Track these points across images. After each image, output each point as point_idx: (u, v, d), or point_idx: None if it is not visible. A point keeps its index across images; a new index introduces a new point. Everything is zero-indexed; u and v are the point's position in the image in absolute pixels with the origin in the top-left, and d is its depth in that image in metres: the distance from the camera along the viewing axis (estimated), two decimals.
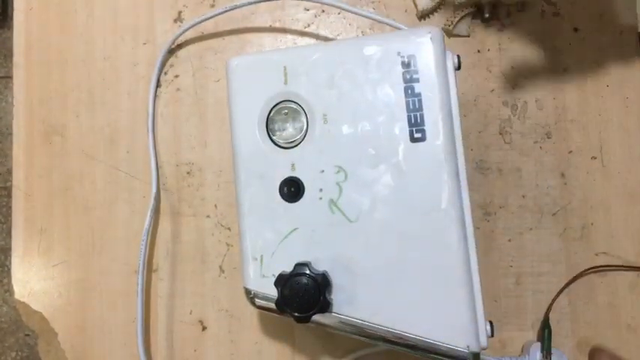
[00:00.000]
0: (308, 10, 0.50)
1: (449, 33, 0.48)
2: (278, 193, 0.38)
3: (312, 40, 0.50)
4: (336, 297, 0.36)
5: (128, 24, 0.51)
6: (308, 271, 0.35)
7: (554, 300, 0.45)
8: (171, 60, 0.51)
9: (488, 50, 0.48)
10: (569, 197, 0.47)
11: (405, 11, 0.49)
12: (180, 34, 0.49)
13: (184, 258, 0.49)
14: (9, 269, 0.51)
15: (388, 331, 0.36)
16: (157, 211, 0.49)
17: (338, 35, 0.50)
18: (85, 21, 0.52)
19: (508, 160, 0.47)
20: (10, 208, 0.51)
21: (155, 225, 0.49)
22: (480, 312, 0.36)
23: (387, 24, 0.45)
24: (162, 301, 0.49)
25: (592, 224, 0.46)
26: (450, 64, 0.38)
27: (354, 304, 0.36)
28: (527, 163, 0.47)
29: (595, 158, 0.47)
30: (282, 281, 0.35)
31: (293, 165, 0.38)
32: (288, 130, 0.38)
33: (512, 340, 0.46)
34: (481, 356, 0.36)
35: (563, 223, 0.46)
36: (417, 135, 0.36)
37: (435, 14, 0.49)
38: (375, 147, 0.37)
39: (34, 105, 0.51)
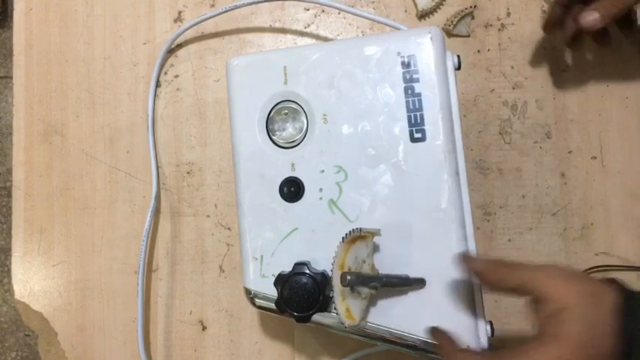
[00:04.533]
0: (308, 10, 0.50)
1: (449, 33, 0.48)
2: (278, 193, 0.38)
3: (312, 40, 0.50)
4: None
5: (128, 24, 0.51)
6: (307, 271, 0.35)
7: None
8: (171, 60, 0.51)
9: (488, 50, 0.48)
10: (569, 197, 0.47)
11: (405, 11, 0.49)
12: (180, 34, 0.49)
13: (184, 258, 0.49)
14: (9, 269, 0.51)
15: (388, 331, 0.36)
16: (157, 211, 0.49)
17: (338, 35, 0.50)
18: (85, 21, 0.52)
19: (508, 160, 0.47)
20: (10, 208, 0.51)
21: (155, 225, 0.49)
22: (480, 312, 0.36)
23: (387, 24, 0.45)
24: (162, 300, 0.49)
25: (592, 224, 0.46)
26: (450, 64, 0.38)
27: None
28: (527, 163, 0.47)
29: (595, 158, 0.47)
30: (281, 281, 0.35)
31: (293, 165, 0.38)
32: (288, 130, 0.38)
33: (512, 340, 0.46)
34: None
35: (563, 223, 0.46)
36: (417, 135, 0.36)
37: (435, 14, 0.49)
38: (375, 147, 0.37)
39: (34, 105, 0.51)
